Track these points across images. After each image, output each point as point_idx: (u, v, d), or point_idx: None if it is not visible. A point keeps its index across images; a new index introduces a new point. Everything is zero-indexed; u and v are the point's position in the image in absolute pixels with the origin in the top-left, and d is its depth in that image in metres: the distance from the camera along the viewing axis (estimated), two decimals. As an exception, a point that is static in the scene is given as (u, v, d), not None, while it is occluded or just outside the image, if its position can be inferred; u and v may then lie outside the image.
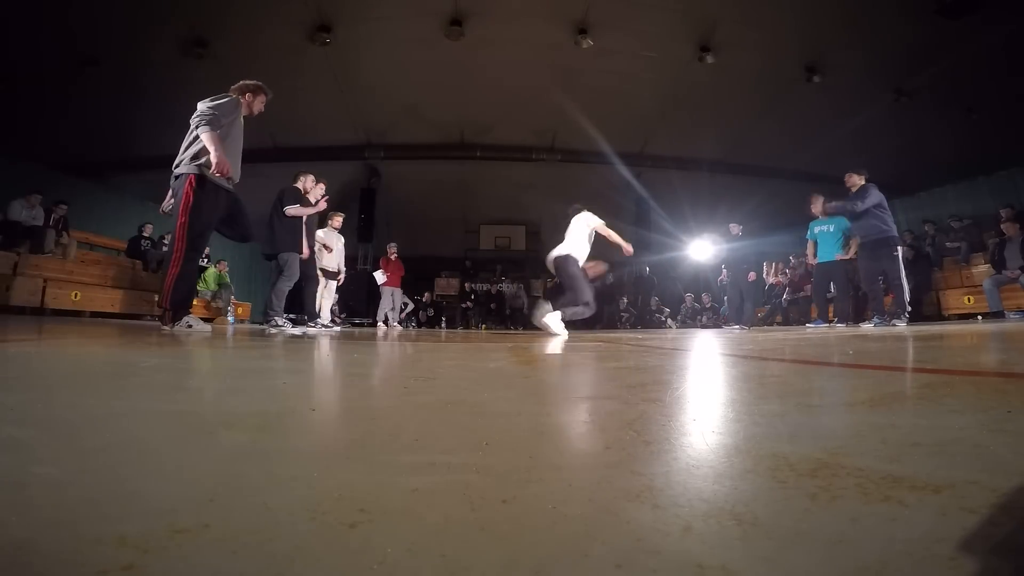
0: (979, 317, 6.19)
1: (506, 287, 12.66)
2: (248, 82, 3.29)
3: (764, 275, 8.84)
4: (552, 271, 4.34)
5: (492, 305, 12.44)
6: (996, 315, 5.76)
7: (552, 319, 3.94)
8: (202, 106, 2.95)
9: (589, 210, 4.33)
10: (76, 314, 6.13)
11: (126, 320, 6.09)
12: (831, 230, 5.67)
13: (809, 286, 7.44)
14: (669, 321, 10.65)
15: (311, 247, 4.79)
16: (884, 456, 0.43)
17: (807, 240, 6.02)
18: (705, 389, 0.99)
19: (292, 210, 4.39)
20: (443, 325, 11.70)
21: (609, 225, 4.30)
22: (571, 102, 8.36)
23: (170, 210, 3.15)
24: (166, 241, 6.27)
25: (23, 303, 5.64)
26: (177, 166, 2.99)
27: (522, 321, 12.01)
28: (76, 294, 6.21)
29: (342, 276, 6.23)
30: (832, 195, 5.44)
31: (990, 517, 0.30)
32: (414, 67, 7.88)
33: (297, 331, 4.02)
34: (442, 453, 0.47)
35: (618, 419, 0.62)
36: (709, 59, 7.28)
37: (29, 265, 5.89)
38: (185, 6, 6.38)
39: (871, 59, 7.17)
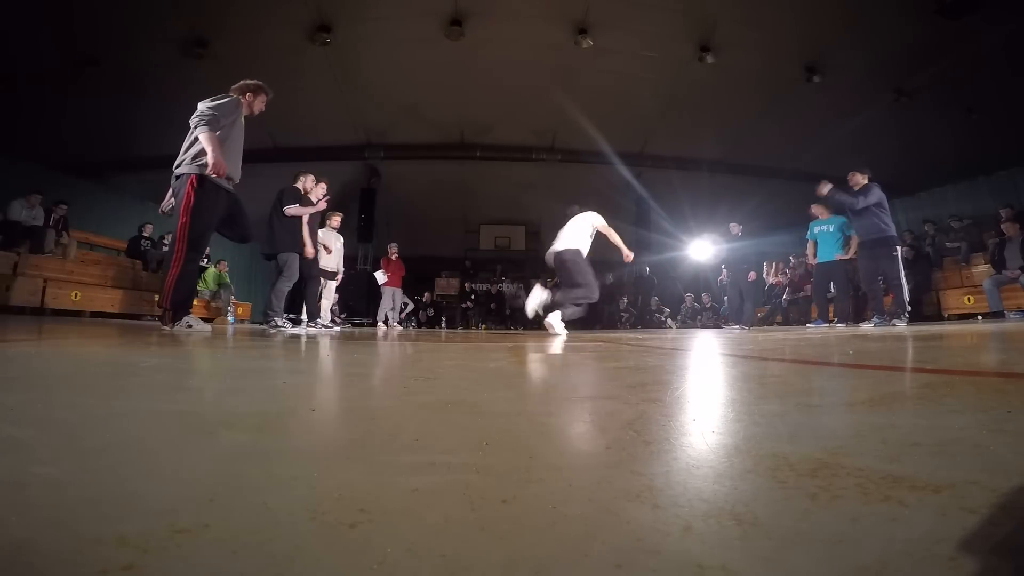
0: (979, 317, 6.19)
1: (506, 287, 12.66)
2: (249, 82, 3.28)
3: (764, 275, 8.84)
4: (554, 265, 4.34)
5: (492, 305, 12.45)
6: (996, 315, 5.76)
7: (553, 318, 3.98)
8: (202, 106, 2.95)
9: (591, 211, 4.40)
10: (76, 314, 6.13)
11: (126, 320, 6.09)
12: (831, 230, 5.68)
13: (809, 286, 7.45)
14: (669, 321, 10.65)
15: (315, 247, 4.79)
16: (884, 456, 0.43)
17: (807, 240, 6.03)
18: (705, 389, 0.99)
19: (291, 210, 4.38)
20: (443, 325, 11.70)
21: (610, 226, 4.36)
22: (571, 102, 8.36)
23: (169, 210, 3.15)
24: (166, 241, 6.29)
25: (23, 303, 5.65)
26: (178, 166, 2.99)
27: (522, 321, 12.00)
28: (76, 294, 6.21)
29: (340, 275, 6.23)
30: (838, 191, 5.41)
31: (990, 517, 0.30)
32: (414, 67, 7.88)
33: (297, 331, 4.02)
34: (442, 453, 0.47)
35: (618, 419, 0.62)
36: (709, 59, 7.28)
37: (29, 265, 5.89)
38: (185, 6, 6.38)
39: (871, 59, 7.17)
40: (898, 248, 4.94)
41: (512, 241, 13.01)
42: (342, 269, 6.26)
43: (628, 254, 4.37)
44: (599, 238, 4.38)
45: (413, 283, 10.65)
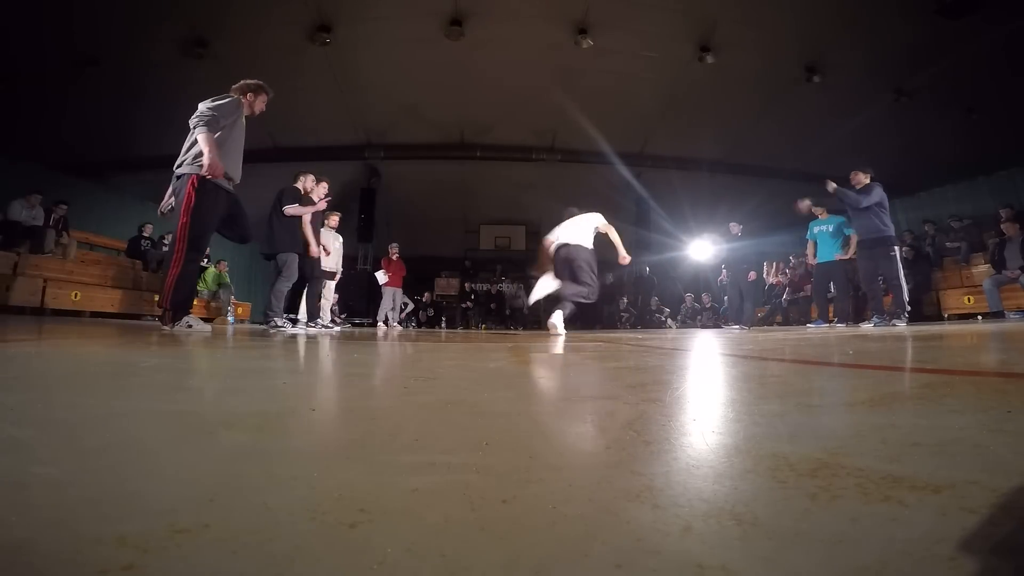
0: (979, 317, 6.19)
1: (506, 287, 12.66)
2: (249, 81, 3.29)
3: (764, 275, 8.84)
4: (562, 257, 4.33)
5: (492, 305, 12.45)
6: (996, 315, 5.77)
7: (556, 318, 4.02)
8: (202, 107, 2.95)
9: (592, 212, 4.49)
10: (76, 314, 6.13)
11: (126, 320, 6.09)
12: (830, 230, 5.68)
13: (809, 286, 7.45)
14: (669, 321, 10.65)
15: (318, 246, 4.80)
16: (884, 456, 0.43)
17: (807, 240, 6.04)
18: (705, 389, 0.99)
19: (290, 209, 4.38)
20: (443, 325, 11.70)
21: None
22: (571, 102, 8.36)
23: (168, 211, 3.15)
24: (166, 241, 6.29)
25: (23, 303, 5.65)
26: (179, 166, 2.99)
27: (522, 321, 12.02)
28: (76, 294, 6.21)
29: (339, 275, 6.22)
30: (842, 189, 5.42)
31: (990, 517, 0.30)
32: (414, 67, 7.87)
33: (297, 331, 4.02)
34: (442, 453, 0.47)
35: (618, 419, 0.62)
36: (709, 59, 7.28)
37: (29, 265, 5.89)
38: (185, 6, 6.38)
39: (871, 59, 7.17)
40: (895, 248, 4.94)
41: (512, 241, 13.01)
42: (340, 269, 6.26)
43: (625, 256, 4.44)
44: (598, 238, 4.44)
45: (413, 283, 10.65)
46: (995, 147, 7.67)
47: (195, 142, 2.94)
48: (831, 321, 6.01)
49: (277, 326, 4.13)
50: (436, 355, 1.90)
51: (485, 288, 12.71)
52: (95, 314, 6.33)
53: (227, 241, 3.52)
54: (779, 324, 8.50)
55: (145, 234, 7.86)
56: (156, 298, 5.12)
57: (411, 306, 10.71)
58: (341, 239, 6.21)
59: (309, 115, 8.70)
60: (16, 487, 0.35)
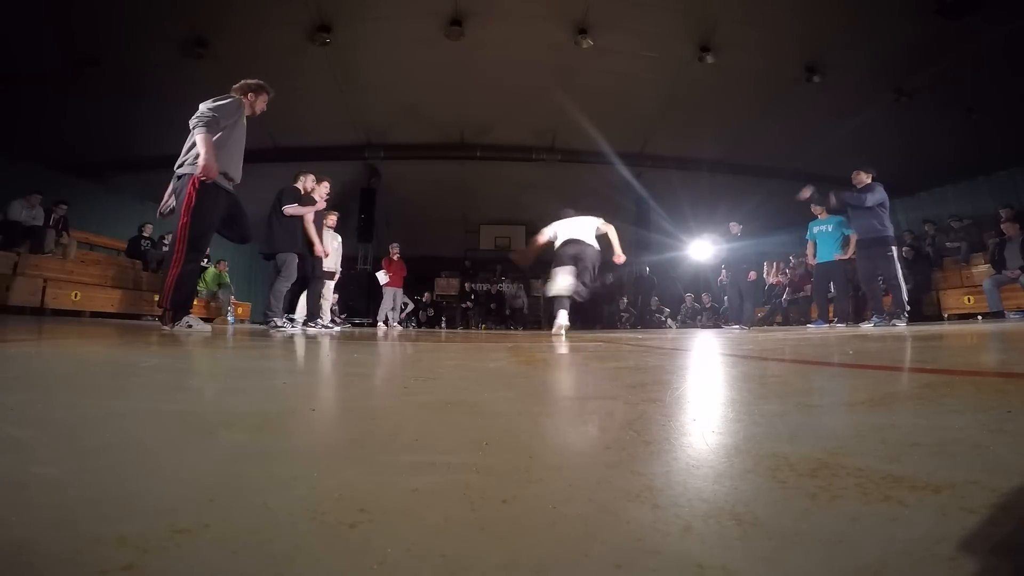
0: (979, 317, 6.19)
1: (506, 287, 12.66)
2: (250, 81, 3.28)
3: (764, 275, 8.84)
4: (573, 254, 4.35)
5: (492, 305, 12.45)
6: (996, 315, 5.77)
7: (561, 317, 4.07)
8: (203, 107, 2.94)
9: (591, 214, 4.60)
10: (76, 314, 6.13)
11: (126, 320, 6.09)
12: (830, 230, 5.68)
13: (809, 286, 7.45)
14: (669, 321, 10.65)
15: (320, 246, 4.80)
16: (884, 456, 0.43)
17: (807, 240, 6.04)
18: (705, 389, 0.99)
19: (290, 209, 4.38)
20: (443, 325, 11.70)
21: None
22: (571, 102, 8.35)
23: (168, 212, 3.15)
24: (166, 241, 6.29)
25: (23, 303, 5.65)
26: (180, 166, 2.98)
27: (522, 321, 12.02)
28: (76, 294, 6.21)
29: (337, 275, 6.22)
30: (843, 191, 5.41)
31: (990, 517, 0.30)
32: (414, 67, 7.87)
33: (297, 331, 4.02)
34: (442, 453, 0.47)
35: (618, 419, 0.62)
36: (709, 59, 7.28)
37: (29, 265, 5.89)
38: (185, 6, 6.38)
39: (871, 59, 7.17)
40: (893, 248, 4.94)
41: (512, 241, 13.00)
42: (339, 269, 6.26)
43: (620, 255, 4.53)
44: (597, 237, 4.51)
45: (413, 283, 10.65)
46: (995, 147, 7.67)
47: (195, 143, 2.94)
48: (831, 321, 6.01)
49: (277, 326, 4.13)
50: (436, 355, 1.90)
51: (485, 288, 12.71)
52: (95, 314, 6.33)
53: (227, 241, 3.52)
54: (779, 324, 8.50)
55: (145, 234, 7.86)
56: (156, 298, 5.13)
57: (411, 306, 10.70)
58: (340, 239, 6.20)
59: (309, 115, 8.70)
60: (16, 487, 0.35)
